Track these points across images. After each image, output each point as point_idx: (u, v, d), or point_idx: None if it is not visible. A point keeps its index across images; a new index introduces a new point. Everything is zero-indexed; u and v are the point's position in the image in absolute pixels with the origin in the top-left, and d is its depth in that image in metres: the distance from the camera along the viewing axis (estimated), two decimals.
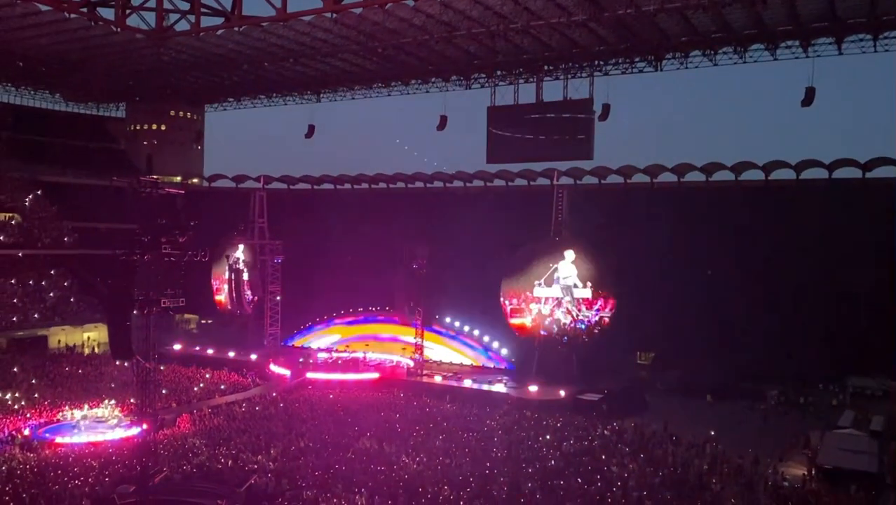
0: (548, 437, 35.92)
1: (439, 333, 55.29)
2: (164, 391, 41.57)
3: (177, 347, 57.14)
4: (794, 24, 46.90)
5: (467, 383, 48.52)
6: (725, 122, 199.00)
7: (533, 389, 46.09)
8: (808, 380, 46.72)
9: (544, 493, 27.42)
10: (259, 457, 31.83)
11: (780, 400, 45.21)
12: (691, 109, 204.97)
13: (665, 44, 51.21)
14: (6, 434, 35.41)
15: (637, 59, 53.97)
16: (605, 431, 37.26)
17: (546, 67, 55.81)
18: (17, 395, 42.39)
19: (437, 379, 50.02)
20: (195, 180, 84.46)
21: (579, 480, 28.92)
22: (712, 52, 51.58)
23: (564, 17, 45.10)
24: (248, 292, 60.37)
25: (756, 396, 45.19)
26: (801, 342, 47.62)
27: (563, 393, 45.11)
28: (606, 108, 51.41)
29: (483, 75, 59.24)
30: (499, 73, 57.89)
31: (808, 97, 47.10)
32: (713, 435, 35.82)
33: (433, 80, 61.87)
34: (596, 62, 54.28)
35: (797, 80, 47.84)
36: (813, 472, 30.70)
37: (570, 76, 55.01)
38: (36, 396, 42.51)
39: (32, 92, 74.53)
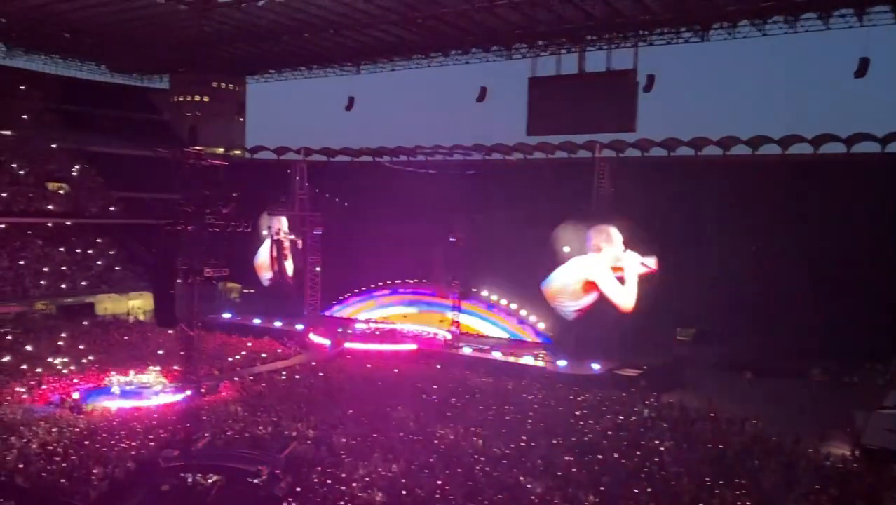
0: (585, 411, 35.85)
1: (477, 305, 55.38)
2: (205, 353, 42.32)
3: (220, 315, 58.20)
4: None
5: (503, 356, 48.60)
6: (774, 94, 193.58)
7: (570, 363, 45.96)
8: (854, 358, 45.67)
9: (581, 467, 27.41)
10: (299, 424, 32.34)
11: (824, 378, 44.39)
12: (738, 81, 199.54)
13: (712, 13, 49.78)
14: (57, 397, 36.62)
15: (683, 30, 52.58)
16: (644, 407, 37.04)
17: (589, 37, 54.69)
18: (66, 359, 43.70)
19: (474, 351, 50.17)
20: (237, 152, 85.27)
21: (616, 455, 28.85)
22: (762, 21, 49.90)
23: None
24: (289, 263, 61.17)
25: (800, 374, 44.42)
26: (847, 319, 46.45)
27: (600, 368, 44.94)
28: (651, 79, 50.12)
29: (524, 45, 58.31)
30: (540, 43, 56.92)
31: (862, 68, 45.37)
32: (753, 412, 35.36)
33: (473, 50, 61.19)
34: (640, 32, 52.96)
35: (850, 50, 46.18)
36: (856, 452, 30.17)
37: (613, 46, 53.74)
38: (84, 361, 43.76)
39: (79, 63, 75.68)
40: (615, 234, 48.40)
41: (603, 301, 48.34)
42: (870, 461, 28.72)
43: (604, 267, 48.50)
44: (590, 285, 49.17)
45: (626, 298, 47.89)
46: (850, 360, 45.40)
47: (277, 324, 57.15)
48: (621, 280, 47.80)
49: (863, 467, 28.22)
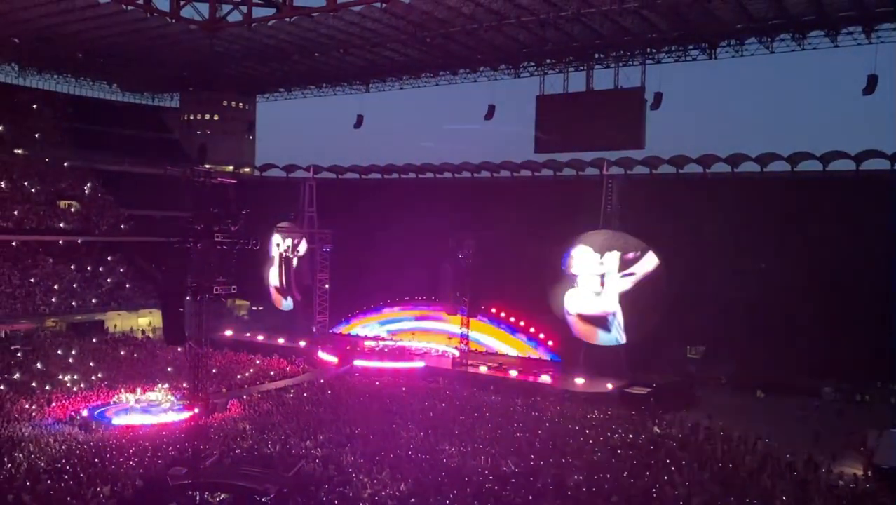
0: (594, 430, 35.61)
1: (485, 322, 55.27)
2: (213, 370, 42.41)
3: (228, 333, 58.27)
4: (856, 10, 45.32)
5: (512, 374, 48.42)
6: (782, 111, 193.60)
7: (579, 381, 45.75)
8: (866, 376, 45.31)
9: (590, 486, 27.18)
10: (307, 442, 32.25)
11: (835, 396, 44.03)
12: (746, 98, 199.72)
13: (720, 31, 50.02)
14: (66, 415, 36.64)
15: (690, 47, 52.84)
16: (654, 426, 36.78)
17: (596, 55, 55.00)
18: (75, 377, 43.79)
19: (482, 369, 50.01)
20: (247, 170, 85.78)
21: (626, 474, 28.61)
22: (769, 39, 50.19)
23: (616, 4, 44.38)
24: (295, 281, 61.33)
25: (810, 392, 44.11)
26: (859, 337, 46.14)
27: (609, 386, 44.71)
28: (658, 97, 50.40)
29: (532, 64, 58.73)
30: (548, 61, 57.27)
31: (870, 85, 45.47)
32: (764, 431, 35.07)
33: (481, 69, 61.60)
34: (648, 50, 53.26)
35: (858, 67, 46.26)
36: (869, 472, 29.85)
37: (621, 64, 54.02)
38: (93, 378, 43.84)
39: (91, 83, 76.57)
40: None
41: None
42: (883, 481, 28.39)
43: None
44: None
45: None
46: (862, 378, 45.02)
47: (283, 341, 57.15)
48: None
49: (876, 487, 27.90)
